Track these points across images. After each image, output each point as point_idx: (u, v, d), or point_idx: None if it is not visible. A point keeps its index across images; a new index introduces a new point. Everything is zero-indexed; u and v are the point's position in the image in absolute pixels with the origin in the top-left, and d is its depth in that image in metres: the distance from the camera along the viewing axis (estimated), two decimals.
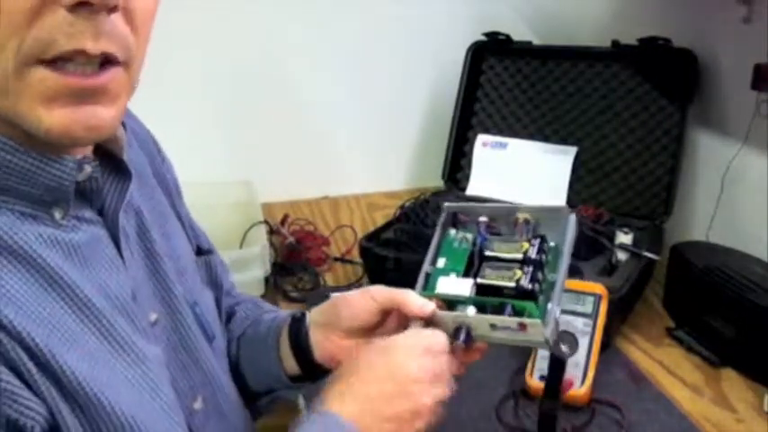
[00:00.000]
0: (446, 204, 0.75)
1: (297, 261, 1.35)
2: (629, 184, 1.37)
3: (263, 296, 1.25)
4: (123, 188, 0.58)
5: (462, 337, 0.64)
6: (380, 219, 1.51)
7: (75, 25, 0.45)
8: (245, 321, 0.82)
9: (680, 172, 1.31)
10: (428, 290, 0.69)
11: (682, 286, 1.14)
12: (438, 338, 0.64)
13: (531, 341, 0.63)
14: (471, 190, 1.51)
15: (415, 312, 0.66)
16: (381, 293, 0.70)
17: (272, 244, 1.38)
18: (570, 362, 0.95)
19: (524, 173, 1.47)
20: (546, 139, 1.48)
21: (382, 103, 1.70)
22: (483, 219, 0.71)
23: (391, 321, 0.71)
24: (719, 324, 1.03)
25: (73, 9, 0.45)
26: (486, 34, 1.54)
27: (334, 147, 1.70)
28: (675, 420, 0.92)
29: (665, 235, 1.28)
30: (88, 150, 0.55)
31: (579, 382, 0.93)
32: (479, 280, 0.66)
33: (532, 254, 0.66)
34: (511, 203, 0.72)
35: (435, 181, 1.58)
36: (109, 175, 0.58)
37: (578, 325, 0.97)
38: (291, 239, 1.41)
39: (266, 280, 1.28)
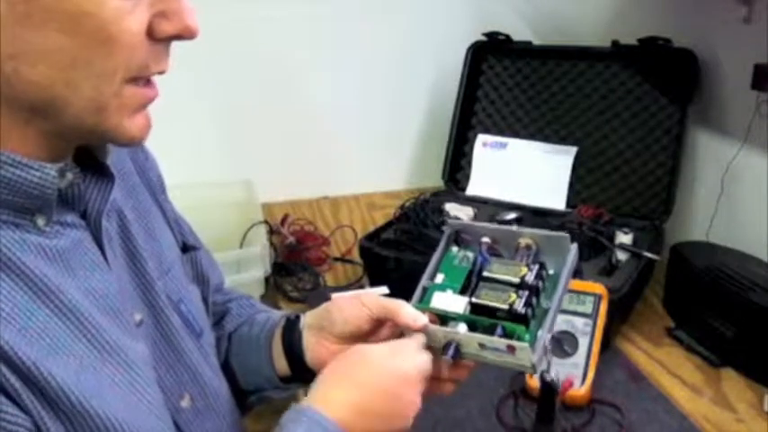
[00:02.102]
0: (450, 222, 0.75)
1: (297, 261, 1.35)
2: (629, 184, 1.37)
3: (262, 296, 1.25)
4: (106, 191, 0.59)
5: (450, 352, 0.64)
6: (380, 219, 1.51)
7: (161, 53, 0.53)
8: (238, 319, 0.83)
9: (680, 172, 1.31)
10: (423, 303, 0.69)
11: (682, 286, 1.14)
12: (416, 340, 0.66)
13: (518, 365, 0.63)
14: (471, 190, 1.51)
15: (407, 324, 0.66)
16: (375, 302, 0.70)
17: (272, 244, 1.38)
18: (570, 362, 0.95)
19: (524, 173, 1.47)
20: (546, 139, 1.48)
21: (382, 103, 1.70)
22: (485, 239, 0.72)
23: (385, 331, 0.72)
24: (719, 324, 1.03)
25: (162, 40, 0.52)
26: (486, 34, 1.54)
27: (334, 147, 1.70)
28: (675, 420, 0.92)
29: (665, 235, 1.28)
30: (69, 157, 0.55)
31: (579, 382, 0.93)
32: (474, 299, 0.67)
33: (530, 279, 0.66)
34: (515, 228, 0.72)
35: (435, 181, 1.58)
36: (92, 178, 0.58)
37: (578, 325, 0.98)
38: (291, 239, 1.41)
39: (266, 280, 1.28)
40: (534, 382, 0.94)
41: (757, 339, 0.98)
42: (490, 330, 0.64)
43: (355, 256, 1.35)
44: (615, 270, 1.14)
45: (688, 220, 1.36)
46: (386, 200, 1.68)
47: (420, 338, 0.66)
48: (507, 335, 0.64)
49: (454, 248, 0.74)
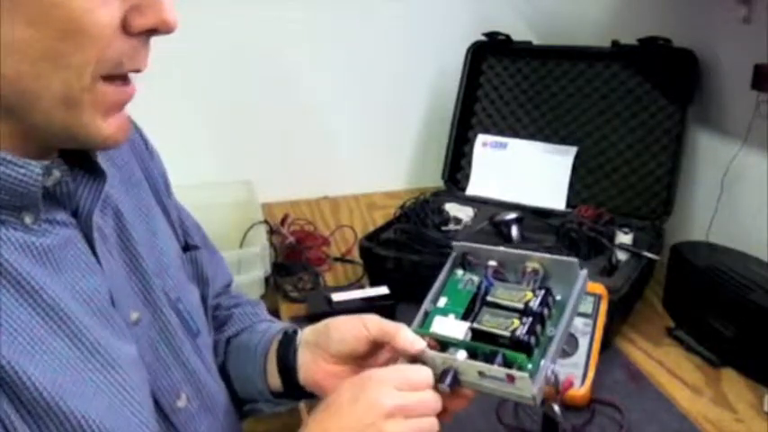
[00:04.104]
0: (456, 244, 0.72)
1: (297, 261, 1.35)
2: (629, 184, 1.37)
3: (262, 296, 1.25)
4: (98, 189, 0.58)
5: (448, 380, 0.61)
6: (380, 219, 1.51)
7: (136, 49, 0.51)
8: (239, 325, 0.82)
9: (680, 172, 1.31)
10: (423, 328, 0.67)
11: (682, 286, 1.14)
12: (420, 373, 0.62)
13: (518, 395, 0.60)
14: (471, 190, 1.51)
15: (404, 348, 0.64)
16: (374, 323, 0.68)
17: (272, 244, 1.38)
18: (570, 362, 0.95)
19: (524, 173, 1.47)
20: (546, 139, 1.48)
21: (382, 103, 1.70)
22: (492, 263, 0.69)
23: (383, 354, 0.70)
24: (719, 324, 1.03)
25: (137, 35, 0.51)
26: (486, 34, 1.54)
27: (334, 147, 1.70)
28: (675, 420, 0.92)
29: (665, 235, 1.28)
30: (54, 154, 0.55)
31: (579, 382, 0.93)
32: (475, 325, 0.64)
33: (534, 305, 0.63)
34: (523, 251, 0.69)
35: (435, 181, 1.58)
36: (83, 176, 0.57)
37: (578, 325, 0.97)
38: (291, 239, 1.41)
39: (266, 280, 1.28)
40: None
41: (757, 339, 0.98)
42: (491, 358, 0.62)
43: (355, 256, 1.35)
44: (615, 270, 1.14)
45: (688, 220, 1.36)
46: (386, 200, 1.68)
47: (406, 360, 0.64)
48: (507, 363, 0.61)
49: (459, 271, 0.71)
